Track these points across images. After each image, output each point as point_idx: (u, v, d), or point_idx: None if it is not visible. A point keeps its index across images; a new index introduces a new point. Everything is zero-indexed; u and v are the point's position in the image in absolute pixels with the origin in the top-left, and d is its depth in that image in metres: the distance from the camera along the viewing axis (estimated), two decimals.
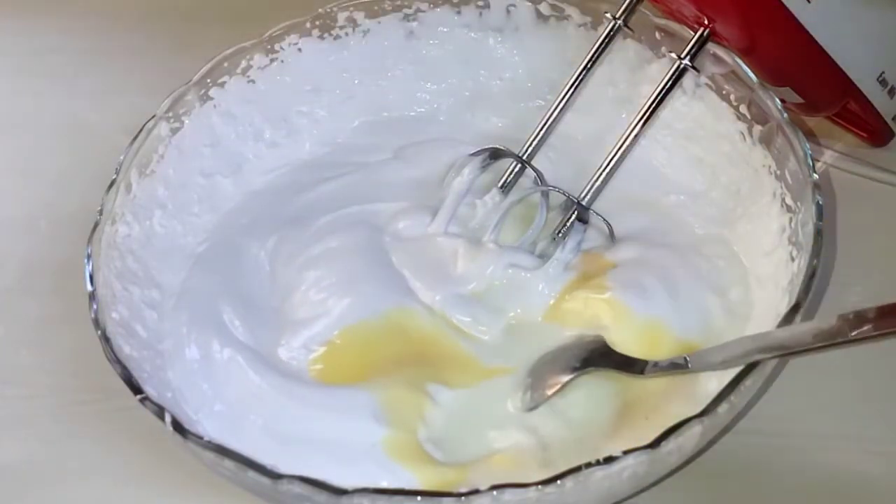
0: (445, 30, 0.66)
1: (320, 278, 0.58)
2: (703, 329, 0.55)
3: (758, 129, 0.58)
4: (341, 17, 0.65)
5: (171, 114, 0.60)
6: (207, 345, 0.55)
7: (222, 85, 0.62)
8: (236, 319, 0.57)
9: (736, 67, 0.58)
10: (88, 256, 0.53)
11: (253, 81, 0.63)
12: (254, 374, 0.54)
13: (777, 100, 0.56)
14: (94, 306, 0.52)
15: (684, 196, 0.61)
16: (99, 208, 0.55)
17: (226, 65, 0.62)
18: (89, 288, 0.52)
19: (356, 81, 0.67)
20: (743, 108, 0.58)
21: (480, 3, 0.66)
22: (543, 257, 0.58)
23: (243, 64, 0.63)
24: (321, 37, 0.65)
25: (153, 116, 0.59)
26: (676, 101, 0.61)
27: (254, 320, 0.57)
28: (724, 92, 0.59)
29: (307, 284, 0.58)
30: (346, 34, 0.65)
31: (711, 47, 0.58)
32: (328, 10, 0.65)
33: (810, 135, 0.64)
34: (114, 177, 0.57)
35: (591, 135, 0.63)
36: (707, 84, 0.60)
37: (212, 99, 0.62)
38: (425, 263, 0.59)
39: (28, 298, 0.62)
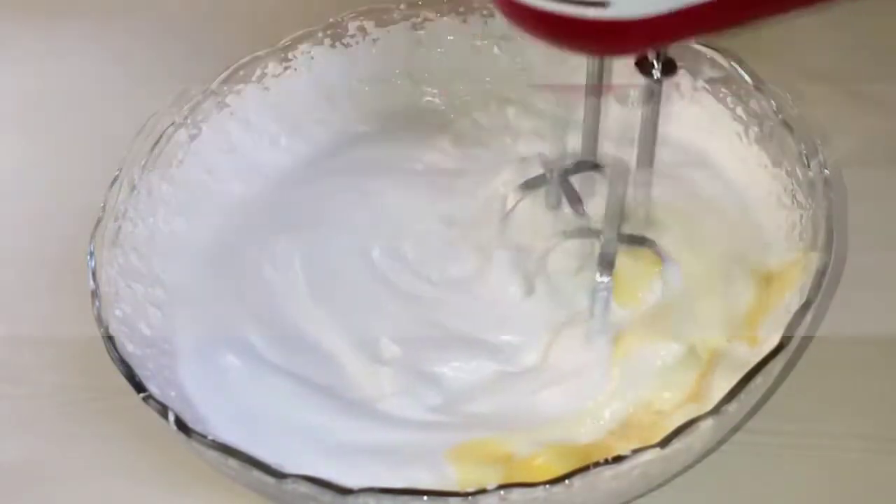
0: (452, 38, 0.66)
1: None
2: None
3: (754, 130, 0.58)
4: (352, 26, 0.65)
5: (189, 120, 0.61)
6: (212, 345, 0.55)
7: (238, 92, 0.63)
8: (243, 321, 0.56)
9: (732, 71, 0.58)
10: (91, 253, 0.53)
11: (268, 89, 0.64)
12: (264, 376, 0.54)
13: (773, 102, 0.56)
14: (97, 304, 0.51)
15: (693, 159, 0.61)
16: (102, 205, 0.55)
17: (241, 73, 0.63)
18: (92, 285, 0.52)
19: (367, 89, 0.67)
20: (740, 111, 0.59)
21: (485, 13, 0.66)
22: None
23: (258, 72, 0.63)
24: (333, 45, 0.65)
25: (172, 123, 0.60)
26: (674, 105, 0.61)
27: (261, 322, 0.56)
28: (720, 95, 0.60)
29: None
30: (357, 43, 0.66)
31: (708, 52, 0.59)
32: (339, 19, 0.65)
33: (821, 132, 0.64)
34: (116, 173, 0.57)
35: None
36: (704, 88, 0.60)
37: (228, 106, 0.63)
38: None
39: (30, 295, 0.62)
